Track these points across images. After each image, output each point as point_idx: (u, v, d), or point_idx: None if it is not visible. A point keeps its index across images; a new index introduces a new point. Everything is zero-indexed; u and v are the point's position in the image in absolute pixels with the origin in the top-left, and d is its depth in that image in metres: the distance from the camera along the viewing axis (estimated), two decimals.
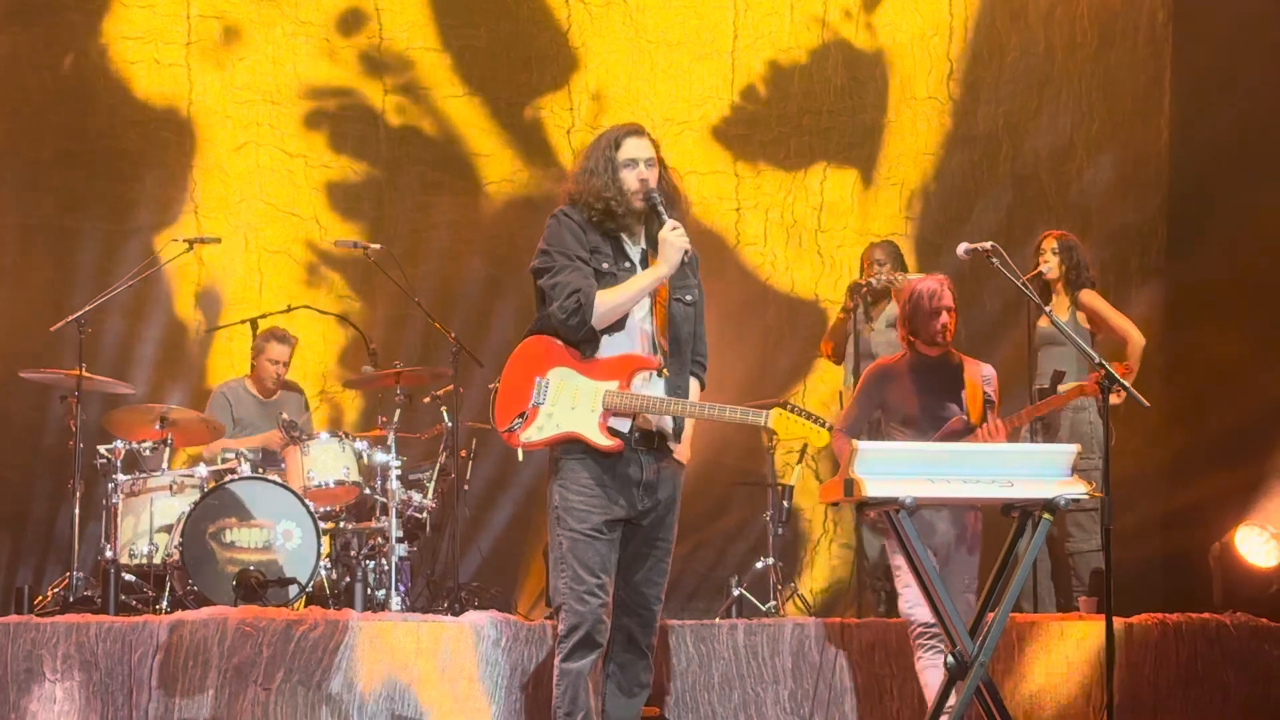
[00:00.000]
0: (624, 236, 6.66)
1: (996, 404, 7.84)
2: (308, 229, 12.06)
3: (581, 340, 6.53)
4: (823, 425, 6.41)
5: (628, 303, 6.52)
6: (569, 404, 6.49)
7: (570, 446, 6.50)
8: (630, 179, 6.62)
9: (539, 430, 6.51)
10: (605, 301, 6.49)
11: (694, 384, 6.75)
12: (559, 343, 6.56)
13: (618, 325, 6.55)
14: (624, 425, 6.49)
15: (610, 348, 6.55)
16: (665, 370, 6.55)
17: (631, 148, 6.67)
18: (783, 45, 12.39)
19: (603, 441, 6.45)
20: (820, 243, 12.28)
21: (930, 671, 7.43)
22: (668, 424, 6.58)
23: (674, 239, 6.50)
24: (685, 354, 6.67)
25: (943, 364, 7.86)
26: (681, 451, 6.64)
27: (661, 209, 6.55)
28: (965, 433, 7.67)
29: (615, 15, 12.37)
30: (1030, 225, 11.82)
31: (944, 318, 7.78)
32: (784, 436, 6.46)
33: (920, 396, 7.79)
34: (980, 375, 7.83)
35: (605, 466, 6.48)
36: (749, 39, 12.40)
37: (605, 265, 6.56)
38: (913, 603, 7.45)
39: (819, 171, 12.36)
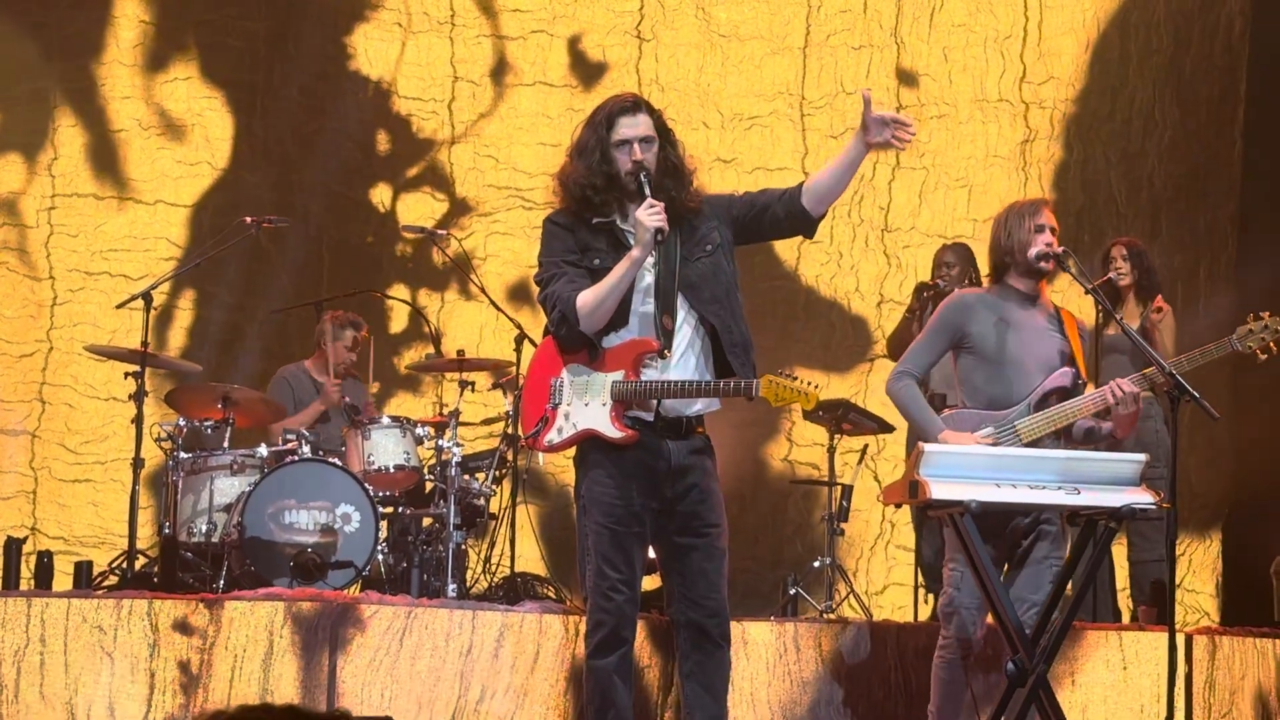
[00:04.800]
0: (619, 225, 6.41)
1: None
2: (374, 213, 12.09)
3: (586, 339, 6.37)
4: (812, 387, 6.26)
5: (610, 295, 6.28)
6: (583, 400, 6.36)
7: (594, 439, 6.38)
8: (624, 160, 6.37)
9: (559, 432, 6.41)
10: (587, 302, 6.29)
11: (830, 163, 6.59)
12: None
13: (621, 313, 6.34)
14: (647, 414, 6.34)
15: (618, 337, 6.37)
16: (665, 352, 6.30)
17: (625, 127, 6.39)
18: (855, 42, 12.33)
19: (614, 434, 6.31)
20: (886, 243, 12.22)
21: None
22: (693, 406, 6.40)
23: (645, 218, 6.22)
24: (730, 304, 6.40)
25: (1040, 303, 7.08)
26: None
27: (647, 188, 6.30)
28: (1073, 390, 6.99)
29: (687, 7, 12.33)
30: (1100, 231, 11.75)
31: (1048, 236, 6.97)
32: (775, 403, 6.32)
33: (1018, 332, 7.00)
34: (1078, 329, 7.13)
35: (629, 456, 6.32)
36: (821, 35, 12.35)
37: (598, 262, 6.35)
38: (953, 607, 6.98)
39: (887, 171, 12.30)
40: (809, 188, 6.54)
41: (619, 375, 6.33)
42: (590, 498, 6.37)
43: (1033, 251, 6.98)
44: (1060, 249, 7.03)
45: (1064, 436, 7.02)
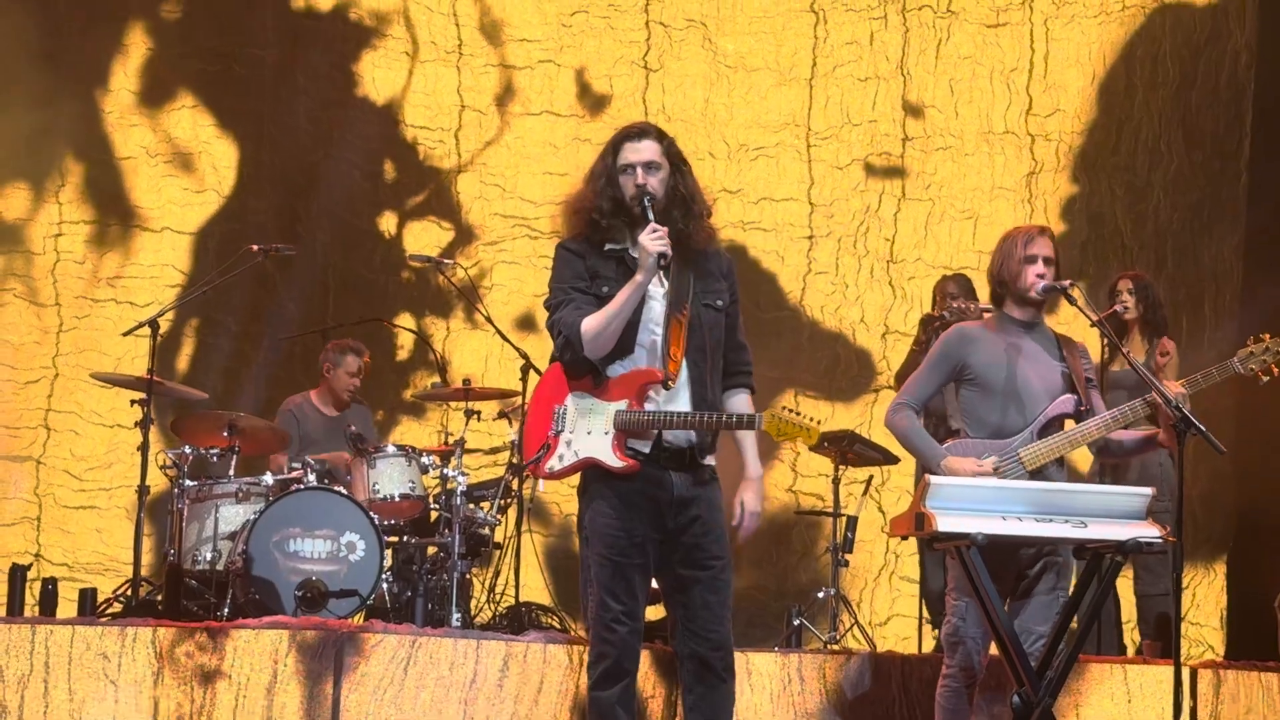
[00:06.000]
0: (630, 253, 6.38)
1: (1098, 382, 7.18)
2: (381, 241, 12.11)
3: (591, 366, 6.36)
4: (815, 423, 6.24)
5: (614, 320, 6.26)
6: (586, 429, 6.34)
7: (597, 469, 6.35)
8: (629, 185, 6.37)
9: (560, 460, 6.37)
10: (591, 327, 6.28)
11: (743, 396, 6.50)
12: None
13: (627, 342, 6.34)
14: (644, 445, 6.31)
15: (622, 365, 6.35)
16: (670, 382, 6.28)
17: (629, 152, 6.40)
18: (861, 74, 12.36)
19: (615, 464, 6.28)
20: (892, 274, 12.24)
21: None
22: (695, 438, 6.37)
23: (648, 243, 6.21)
24: (713, 362, 6.41)
25: (1040, 331, 7.08)
26: (753, 470, 6.42)
27: (650, 213, 6.29)
28: (1076, 416, 6.96)
29: (694, 37, 12.36)
30: (1105, 263, 11.77)
31: (1039, 267, 6.95)
32: (777, 438, 6.31)
33: (1019, 361, 6.97)
34: (1079, 355, 7.09)
35: (632, 487, 6.28)
36: (827, 67, 12.38)
37: (606, 289, 6.33)
38: (958, 637, 6.96)
39: (893, 202, 12.32)
40: (729, 396, 6.50)
41: (623, 404, 6.31)
42: (593, 529, 6.35)
43: (1027, 285, 6.99)
44: (1066, 282, 7.00)
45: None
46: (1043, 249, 7.00)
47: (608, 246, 6.43)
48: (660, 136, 6.50)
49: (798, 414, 6.24)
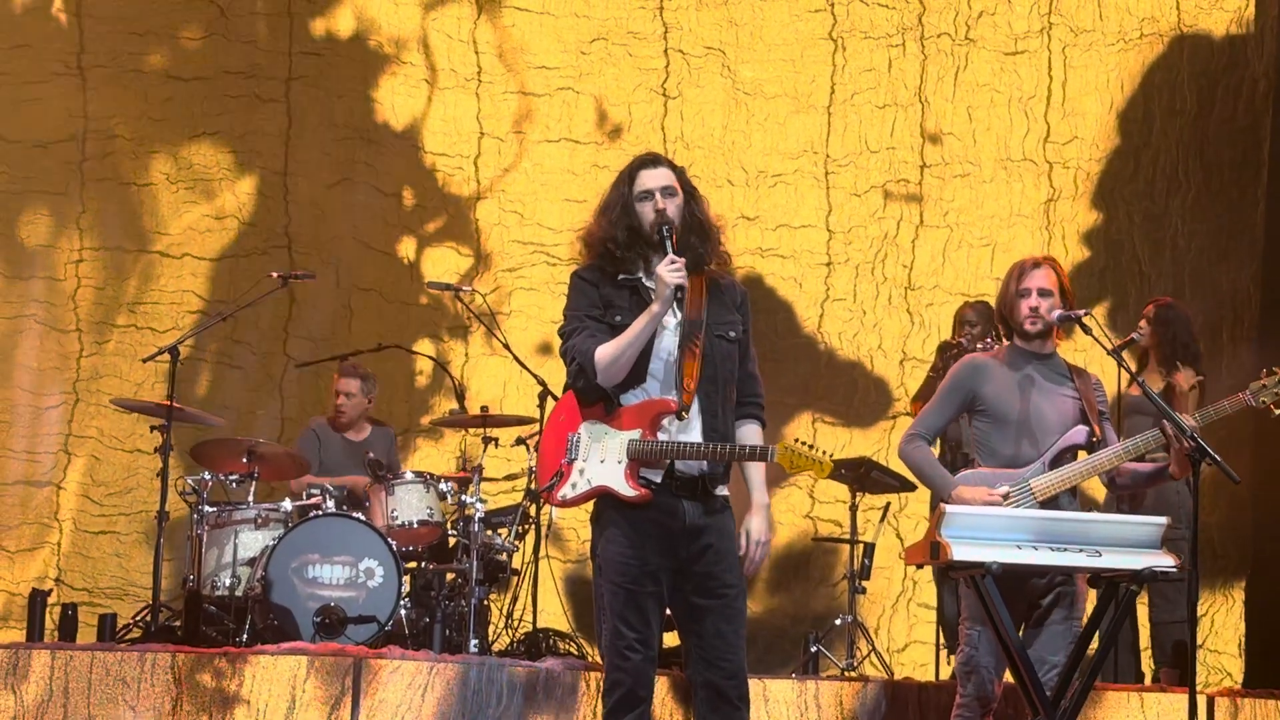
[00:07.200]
0: (644, 282, 6.41)
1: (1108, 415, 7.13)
2: (400, 267, 12.14)
3: (603, 394, 6.37)
4: (827, 456, 6.27)
5: (627, 349, 6.28)
6: (599, 457, 6.34)
7: (609, 498, 6.35)
8: (647, 212, 6.39)
9: (573, 487, 6.38)
10: (605, 356, 6.29)
11: (753, 427, 6.52)
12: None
13: (641, 371, 6.34)
14: (656, 474, 6.31)
15: (635, 394, 6.36)
16: (684, 413, 6.28)
17: (645, 179, 6.42)
18: (879, 101, 12.38)
19: (628, 492, 6.28)
20: (910, 301, 12.24)
21: None
22: (707, 468, 6.36)
23: (665, 274, 6.23)
24: (725, 393, 6.41)
25: (1052, 362, 7.07)
26: (759, 498, 6.42)
27: (669, 242, 6.31)
28: (1086, 448, 6.97)
29: (713, 65, 12.39)
30: (1123, 290, 11.75)
31: (1032, 300, 6.99)
32: (789, 470, 6.33)
33: (1031, 392, 7.00)
34: (1091, 387, 7.08)
35: (644, 516, 6.28)
36: (845, 94, 12.40)
37: (619, 319, 6.36)
38: (971, 666, 6.94)
39: (910, 229, 12.33)
40: (739, 427, 6.51)
41: (636, 434, 6.32)
42: (605, 557, 6.35)
43: (1020, 319, 7.02)
44: (1081, 311, 6.98)
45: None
46: (1038, 281, 7.00)
47: (621, 276, 6.45)
48: (672, 165, 6.54)
49: (811, 446, 6.27)
